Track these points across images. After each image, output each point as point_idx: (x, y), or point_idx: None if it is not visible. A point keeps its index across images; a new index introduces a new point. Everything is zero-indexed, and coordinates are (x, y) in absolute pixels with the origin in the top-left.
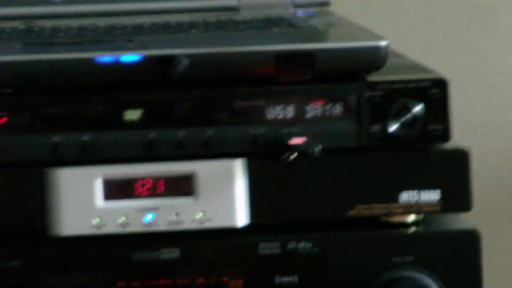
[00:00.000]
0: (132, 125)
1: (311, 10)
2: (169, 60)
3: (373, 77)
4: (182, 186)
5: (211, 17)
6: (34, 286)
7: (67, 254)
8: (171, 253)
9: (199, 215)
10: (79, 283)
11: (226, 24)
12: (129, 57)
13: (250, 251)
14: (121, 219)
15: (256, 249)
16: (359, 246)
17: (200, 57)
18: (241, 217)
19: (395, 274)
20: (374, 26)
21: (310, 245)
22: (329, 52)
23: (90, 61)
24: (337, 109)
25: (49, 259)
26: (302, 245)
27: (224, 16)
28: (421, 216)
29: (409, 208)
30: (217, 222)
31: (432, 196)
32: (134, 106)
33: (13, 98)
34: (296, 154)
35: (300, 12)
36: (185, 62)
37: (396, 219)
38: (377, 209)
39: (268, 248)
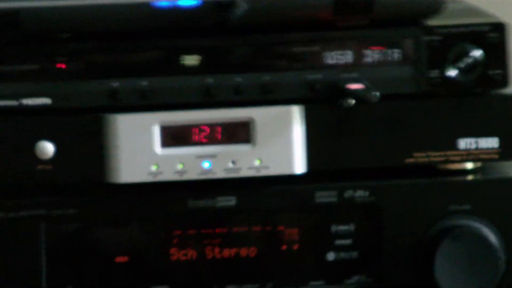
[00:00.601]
0: (190, 70)
1: None
2: (227, 5)
3: (431, 22)
4: (239, 133)
5: None
6: (91, 234)
7: (124, 202)
8: (227, 201)
9: (256, 162)
10: (135, 231)
11: None
12: (187, 1)
13: (307, 199)
14: (178, 166)
15: (312, 197)
16: (416, 194)
17: (258, 2)
18: (299, 165)
19: (452, 223)
20: None
21: (367, 193)
22: None
23: (147, 5)
24: (395, 54)
25: (106, 207)
26: (358, 193)
27: None
28: (479, 164)
29: (467, 156)
30: (274, 169)
31: (490, 143)
32: (192, 51)
33: (71, 43)
34: (353, 100)
35: None
36: (244, 6)
37: (454, 166)
38: (435, 156)
39: (325, 196)
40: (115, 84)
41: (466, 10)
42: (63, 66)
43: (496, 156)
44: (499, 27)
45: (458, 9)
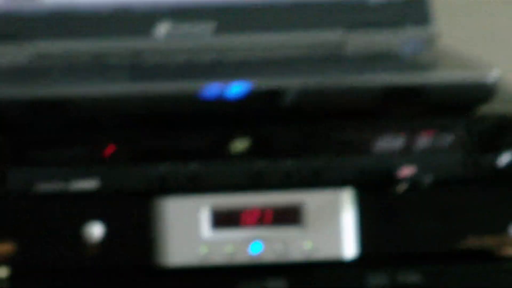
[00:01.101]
0: (239, 156)
1: (419, 42)
2: (276, 93)
3: (484, 109)
4: (289, 216)
5: (317, 51)
6: None
7: (173, 285)
8: (278, 284)
9: (307, 246)
10: None
11: (333, 58)
12: (236, 89)
13: (359, 284)
14: (228, 249)
15: (365, 281)
16: (469, 280)
17: (308, 90)
18: (349, 248)
19: None
20: (485, 56)
21: (420, 277)
22: (439, 87)
23: (194, 96)
24: (447, 139)
25: None
26: (411, 277)
27: (330, 51)
28: None
29: None
30: (325, 253)
31: None
32: (241, 137)
33: (122, 129)
34: (405, 185)
35: (407, 46)
36: (292, 94)
37: (508, 252)
38: (488, 241)
39: (377, 280)
40: (164, 168)
41: None
42: (113, 150)
43: None
44: None
45: None
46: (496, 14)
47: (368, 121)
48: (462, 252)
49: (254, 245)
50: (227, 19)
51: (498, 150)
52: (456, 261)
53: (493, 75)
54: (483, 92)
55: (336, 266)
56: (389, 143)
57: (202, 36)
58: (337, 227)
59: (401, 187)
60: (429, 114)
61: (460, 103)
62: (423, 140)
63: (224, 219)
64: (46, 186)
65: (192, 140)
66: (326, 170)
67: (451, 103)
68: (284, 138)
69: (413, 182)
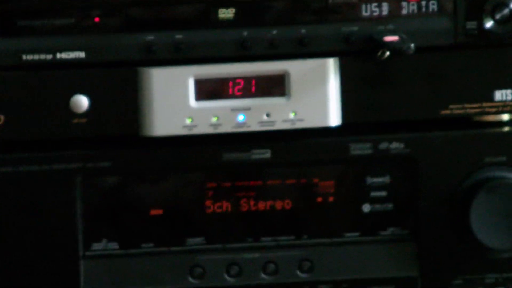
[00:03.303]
0: (225, 23)
1: None
2: None
3: None
4: (274, 86)
5: None
6: (125, 187)
7: (159, 155)
8: (262, 153)
9: (291, 115)
10: (170, 184)
11: None
12: None
13: (342, 152)
14: (213, 119)
15: (347, 149)
16: (451, 146)
17: None
18: (333, 117)
19: (487, 174)
20: None
21: (402, 145)
22: None
23: None
24: (433, 5)
25: (141, 160)
26: (394, 145)
27: None
28: None
29: (502, 107)
30: (309, 122)
31: None
32: (228, 4)
33: None
34: (389, 52)
35: None
36: None
37: (490, 118)
38: (470, 108)
39: (360, 148)
40: (150, 37)
41: None
42: (98, 20)
43: None
44: None
45: None
46: None
47: None
48: (445, 119)
49: (239, 115)
50: None
51: (483, 14)
52: (439, 128)
53: None
54: None
55: (320, 135)
56: (374, 9)
57: None
58: (321, 96)
59: (385, 54)
60: None
61: None
62: (408, 6)
63: (208, 89)
64: (33, 57)
65: (178, 8)
66: (311, 38)
67: None
68: (269, 6)
69: (398, 48)
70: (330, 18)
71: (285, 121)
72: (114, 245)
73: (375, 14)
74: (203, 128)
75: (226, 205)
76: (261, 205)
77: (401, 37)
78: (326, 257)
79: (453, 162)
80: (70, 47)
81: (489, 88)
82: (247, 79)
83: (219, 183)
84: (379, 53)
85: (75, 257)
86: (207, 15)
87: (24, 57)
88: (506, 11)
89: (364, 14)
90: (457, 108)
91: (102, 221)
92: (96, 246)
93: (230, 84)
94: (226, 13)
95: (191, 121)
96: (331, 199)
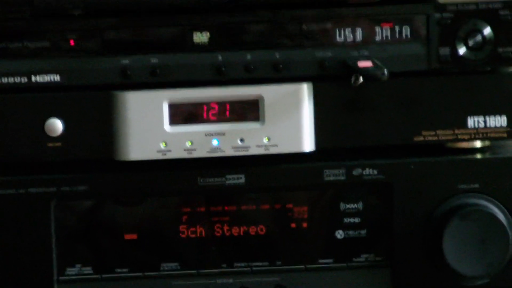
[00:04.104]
0: (200, 47)
1: None
2: None
3: None
4: (248, 111)
5: None
6: (100, 211)
7: (134, 180)
8: (236, 179)
9: (265, 140)
10: (145, 208)
11: None
12: None
13: (316, 177)
14: (187, 144)
15: (321, 175)
16: (425, 173)
17: None
18: (307, 143)
19: (460, 201)
20: None
21: (376, 171)
22: None
23: None
24: (406, 31)
25: (116, 185)
26: (367, 171)
27: None
28: (487, 143)
29: (475, 134)
30: (283, 147)
31: (499, 121)
32: (202, 28)
33: (82, 20)
34: (363, 77)
35: None
36: None
37: (463, 145)
38: (444, 135)
39: (333, 174)
40: (125, 61)
41: None
42: (74, 43)
43: (505, 135)
44: (510, 4)
45: None
46: None
47: (328, 12)
48: (420, 146)
49: (213, 140)
50: None
51: (456, 41)
52: (413, 154)
53: None
54: None
55: (294, 160)
56: (348, 35)
57: None
58: (295, 121)
59: (359, 80)
60: (388, 4)
61: None
62: (382, 32)
63: (183, 114)
64: (8, 80)
65: (153, 32)
66: (286, 63)
67: None
68: (244, 30)
69: (371, 74)
70: (304, 43)
71: (259, 146)
72: (88, 270)
73: (349, 39)
74: (177, 153)
75: (200, 230)
76: (235, 231)
77: (374, 63)
78: (300, 283)
79: (427, 188)
80: (46, 70)
81: (462, 115)
82: (221, 104)
83: (193, 208)
84: (353, 79)
85: (49, 281)
86: (183, 39)
87: None
88: (479, 37)
89: (338, 39)
90: (430, 135)
91: (76, 245)
92: (70, 270)
93: (205, 108)
94: (201, 37)
95: (165, 145)
96: (305, 225)
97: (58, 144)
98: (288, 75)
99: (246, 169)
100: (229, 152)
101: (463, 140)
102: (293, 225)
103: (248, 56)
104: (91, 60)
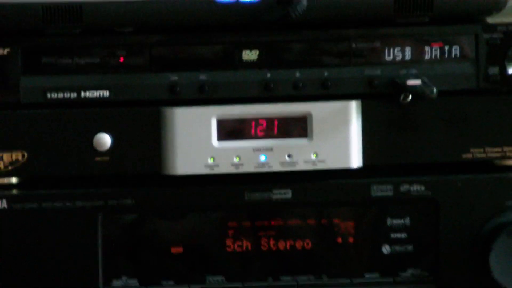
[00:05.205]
0: (249, 65)
1: None
2: (288, 1)
3: (492, 19)
4: (296, 127)
5: None
6: (147, 225)
7: (181, 194)
8: (283, 194)
9: (312, 156)
10: (191, 222)
11: None
12: None
13: (363, 193)
14: (235, 159)
15: (368, 191)
16: (472, 190)
17: None
18: (355, 159)
19: (507, 218)
20: None
21: (423, 188)
22: None
23: (210, 1)
24: (455, 51)
25: (163, 199)
26: (415, 187)
27: None
28: None
29: None
30: (330, 163)
31: None
32: (252, 46)
33: (132, 37)
34: (411, 95)
35: None
36: (304, 2)
37: (510, 162)
38: (492, 152)
39: (381, 190)
40: (174, 77)
41: None
42: (123, 59)
43: None
44: None
45: None
46: None
47: (377, 32)
48: (466, 163)
49: (261, 156)
50: None
51: (506, 61)
52: (460, 171)
53: None
54: (491, 2)
55: (341, 176)
56: (397, 54)
57: None
58: (343, 138)
59: (407, 98)
60: (438, 25)
61: (469, 12)
62: (432, 51)
63: (231, 130)
64: (57, 95)
65: (203, 49)
66: (334, 81)
67: (460, 11)
68: (294, 48)
69: (420, 92)
70: (353, 61)
71: (307, 162)
72: (134, 282)
73: (398, 58)
74: (225, 168)
75: (247, 244)
76: (281, 245)
77: (423, 81)
78: None
79: (474, 205)
80: (95, 86)
81: (510, 133)
82: (270, 120)
83: (240, 223)
84: (402, 97)
85: None
86: (231, 56)
87: (49, 95)
88: None
89: (387, 58)
90: (479, 152)
91: (122, 258)
92: (116, 282)
93: (253, 124)
94: (250, 55)
95: (213, 160)
96: (351, 239)
97: (106, 158)
98: (337, 93)
99: (293, 184)
100: (276, 167)
101: (511, 157)
102: (339, 239)
103: (297, 74)
104: (139, 76)
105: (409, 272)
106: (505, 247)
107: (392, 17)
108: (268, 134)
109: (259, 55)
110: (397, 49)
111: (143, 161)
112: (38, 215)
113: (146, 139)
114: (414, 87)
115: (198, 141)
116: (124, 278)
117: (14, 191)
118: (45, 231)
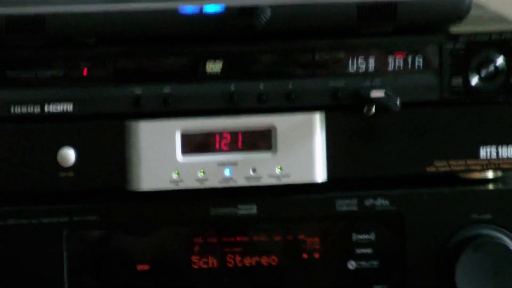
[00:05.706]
0: (213, 77)
1: None
2: (251, 11)
3: (455, 29)
4: (260, 141)
5: None
6: (112, 242)
7: (146, 210)
8: (248, 209)
9: (277, 170)
10: (156, 239)
11: None
12: (212, 7)
13: (328, 208)
14: (199, 174)
15: (333, 205)
16: (437, 203)
17: (282, 8)
18: (319, 173)
19: (473, 232)
20: None
21: (388, 202)
22: (412, 2)
23: (173, 12)
24: (418, 61)
25: (128, 215)
26: (379, 202)
27: None
28: (499, 173)
29: (487, 165)
30: (295, 177)
31: (511, 152)
32: (215, 57)
33: (95, 49)
34: (376, 107)
35: None
36: (268, 13)
37: (475, 175)
38: (456, 165)
39: (346, 204)
40: (138, 90)
41: (490, 17)
42: (86, 72)
43: None
44: None
45: (483, 16)
46: None
47: (340, 42)
48: (432, 176)
49: (225, 170)
50: None
51: (469, 71)
52: (425, 184)
53: None
54: (456, 10)
55: (306, 191)
56: (361, 65)
57: None
58: (308, 151)
59: (371, 110)
60: (401, 35)
61: (433, 21)
62: (395, 62)
63: (195, 143)
64: (21, 109)
65: (166, 61)
66: (298, 92)
67: (423, 21)
68: (257, 59)
69: (384, 104)
70: (317, 72)
71: (271, 176)
72: None
73: (361, 69)
74: (189, 183)
75: (212, 261)
76: (247, 261)
77: (387, 93)
78: None
79: (439, 219)
80: (59, 99)
81: (474, 145)
82: (234, 133)
83: (205, 239)
84: (366, 109)
85: None
86: (195, 68)
87: (12, 109)
88: (491, 68)
89: (351, 69)
90: (442, 165)
91: (88, 275)
92: None
93: (217, 137)
94: (214, 66)
95: (178, 175)
96: (317, 255)
97: (71, 174)
98: (301, 105)
99: (258, 199)
100: (241, 182)
101: (475, 170)
102: (305, 255)
103: (261, 86)
104: (103, 89)
105: None
106: (470, 261)
107: (356, 27)
108: (232, 148)
109: (223, 67)
110: (361, 60)
111: (108, 177)
112: (2, 232)
113: (111, 153)
114: (377, 99)
115: (163, 155)
116: None
117: None
118: (9, 248)
